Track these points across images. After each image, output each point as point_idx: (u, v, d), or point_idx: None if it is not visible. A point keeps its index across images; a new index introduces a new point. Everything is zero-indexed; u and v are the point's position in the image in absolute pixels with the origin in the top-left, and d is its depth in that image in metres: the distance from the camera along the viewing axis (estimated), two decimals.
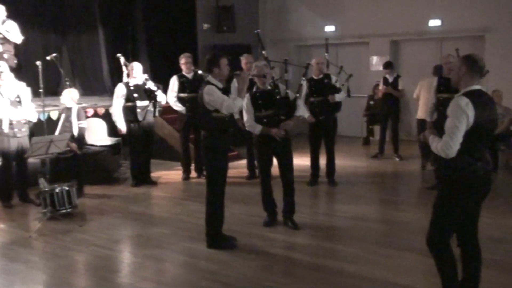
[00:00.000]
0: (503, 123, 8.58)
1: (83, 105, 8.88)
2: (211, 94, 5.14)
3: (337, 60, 12.25)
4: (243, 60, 8.19)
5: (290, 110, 5.98)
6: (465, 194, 3.67)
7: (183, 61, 8.34)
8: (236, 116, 7.62)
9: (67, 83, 8.12)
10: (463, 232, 3.88)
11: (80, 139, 7.51)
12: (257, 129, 5.86)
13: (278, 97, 5.91)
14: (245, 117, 5.95)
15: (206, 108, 5.20)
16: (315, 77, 7.78)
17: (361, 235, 5.79)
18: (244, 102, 5.77)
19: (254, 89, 5.97)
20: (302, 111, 6.14)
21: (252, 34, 12.89)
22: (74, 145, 7.33)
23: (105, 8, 10.89)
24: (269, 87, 5.93)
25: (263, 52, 6.75)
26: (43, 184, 6.65)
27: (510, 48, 10.24)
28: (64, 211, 6.54)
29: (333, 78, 7.82)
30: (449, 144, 3.55)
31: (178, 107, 8.32)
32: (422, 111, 8.73)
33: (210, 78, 5.26)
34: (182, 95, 8.29)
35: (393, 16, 11.59)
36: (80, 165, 7.58)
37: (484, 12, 10.52)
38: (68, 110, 7.51)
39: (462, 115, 3.51)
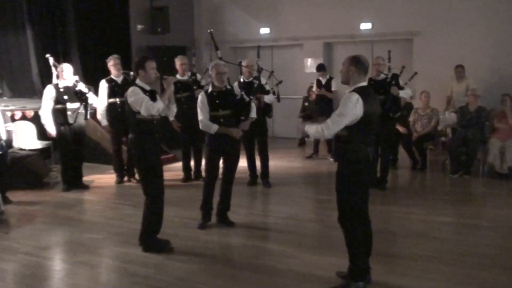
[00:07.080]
0: (430, 124, 8.92)
1: (11, 107, 8.54)
2: (134, 95, 5.13)
3: (272, 62, 12.40)
4: (178, 62, 8.09)
5: (247, 111, 6.08)
6: (359, 174, 4.21)
7: (112, 63, 8.04)
8: (171, 119, 7.56)
9: None
10: None
11: (9, 143, 7.21)
12: (213, 128, 5.83)
13: (237, 97, 6.00)
14: (200, 116, 5.89)
15: (131, 109, 5.18)
16: (245, 79, 7.81)
17: (295, 235, 5.87)
18: (199, 101, 5.83)
19: (211, 89, 5.94)
20: (254, 113, 6.23)
21: (187, 36, 12.93)
22: None
23: (34, 6, 10.52)
24: (228, 87, 5.98)
25: (218, 51, 6.80)
26: None
27: (436, 51, 10.68)
28: None
29: (263, 80, 7.88)
30: (329, 126, 4.10)
31: (103, 118, 8.08)
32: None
33: (137, 81, 5.28)
34: (111, 100, 8.05)
35: (327, 19, 11.82)
36: (2, 170, 7.26)
37: (412, 17, 10.91)
38: None
39: (351, 107, 4.03)
